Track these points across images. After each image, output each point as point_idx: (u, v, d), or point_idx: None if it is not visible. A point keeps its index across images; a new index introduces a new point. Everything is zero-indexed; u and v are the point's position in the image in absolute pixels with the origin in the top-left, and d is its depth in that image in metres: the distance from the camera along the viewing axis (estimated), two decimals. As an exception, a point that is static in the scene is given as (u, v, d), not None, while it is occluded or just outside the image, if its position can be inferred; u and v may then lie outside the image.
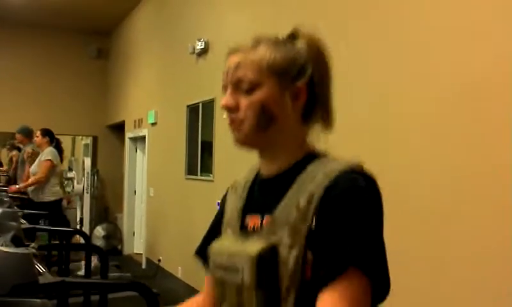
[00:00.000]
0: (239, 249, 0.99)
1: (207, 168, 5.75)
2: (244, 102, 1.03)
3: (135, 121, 8.51)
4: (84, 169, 8.40)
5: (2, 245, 2.07)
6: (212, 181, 5.53)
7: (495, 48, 2.42)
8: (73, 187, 8.67)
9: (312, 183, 0.97)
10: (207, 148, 5.72)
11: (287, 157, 1.05)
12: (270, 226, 0.98)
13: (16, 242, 2.31)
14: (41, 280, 1.72)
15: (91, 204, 8.61)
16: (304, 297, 0.92)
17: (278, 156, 1.06)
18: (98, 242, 8.45)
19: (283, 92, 1.03)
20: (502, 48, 2.39)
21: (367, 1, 3.32)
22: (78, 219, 8.50)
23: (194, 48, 5.87)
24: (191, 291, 5.67)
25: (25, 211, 4.18)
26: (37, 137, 6.28)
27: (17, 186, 6.34)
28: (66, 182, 8.79)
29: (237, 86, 1.04)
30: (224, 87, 1.07)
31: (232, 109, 1.05)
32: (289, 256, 0.93)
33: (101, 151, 10.20)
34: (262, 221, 1.03)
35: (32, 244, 2.56)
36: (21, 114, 8.62)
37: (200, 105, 5.89)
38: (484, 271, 2.40)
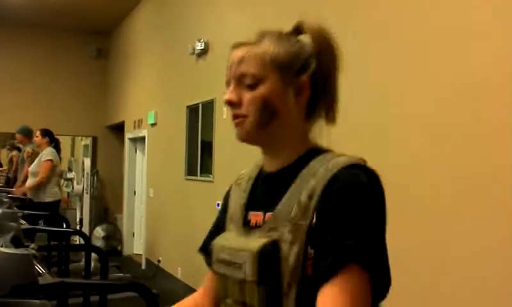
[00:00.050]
0: (241, 244, 0.99)
1: (206, 169, 5.75)
2: (247, 97, 1.03)
3: (135, 122, 8.51)
4: (83, 170, 8.40)
5: (1, 246, 2.07)
6: (211, 181, 5.53)
7: (495, 48, 2.42)
8: (72, 188, 8.67)
9: (313, 179, 0.96)
10: (207, 148, 5.71)
11: (289, 152, 1.05)
12: (272, 222, 0.98)
13: (16, 242, 2.30)
14: (41, 281, 1.71)
15: (90, 205, 8.61)
16: (305, 293, 0.92)
17: (281, 152, 1.06)
18: (98, 243, 8.43)
19: (286, 87, 1.03)
20: (502, 48, 2.38)
21: (367, 1, 3.32)
22: (78, 220, 8.50)
23: (194, 49, 5.87)
24: (191, 292, 5.62)
25: (25, 212, 4.17)
26: (37, 137, 6.29)
27: (22, 188, 6.35)
28: (65, 183, 8.79)
29: (240, 80, 1.04)
30: (228, 82, 1.07)
31: (234, 104, 1.04)
32: (290, 252, 0.93)
33: (101, 151, 10.20)
34: (264, 217, 1.03)
35: (32, 245, 2.56)
36: (21, 115, 8.63)
37: (200, 105, 5.89)
38: (484, 271, 2.40)
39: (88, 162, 8.54)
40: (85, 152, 11.33)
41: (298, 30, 1.08)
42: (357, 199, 0.92)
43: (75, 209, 8.95)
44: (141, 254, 8.23)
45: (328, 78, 1.05)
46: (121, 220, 9.26)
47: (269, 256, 0.94)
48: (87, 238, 4.39)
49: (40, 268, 1.97)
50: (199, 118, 5.96)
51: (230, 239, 1.05)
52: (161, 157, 7.36)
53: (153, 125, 7.56)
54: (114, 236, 9.02)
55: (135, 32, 8.74)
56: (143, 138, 8.11)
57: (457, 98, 2.60)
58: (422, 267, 2.71)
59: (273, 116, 1.02)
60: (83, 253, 6.41)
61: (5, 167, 9.32)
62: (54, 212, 5.90)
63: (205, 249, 1.16)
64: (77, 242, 7.56)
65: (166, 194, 7.12)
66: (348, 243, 0.89)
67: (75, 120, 9.67)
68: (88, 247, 4.05)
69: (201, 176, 5.90)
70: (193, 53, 5.92)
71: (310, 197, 0.95)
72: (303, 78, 1.03)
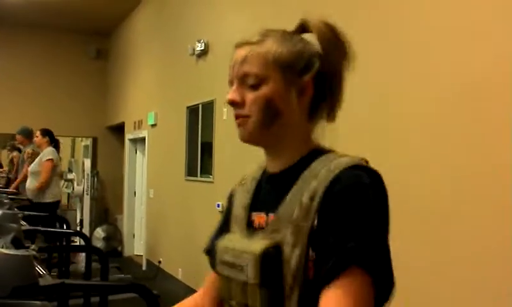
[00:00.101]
0: (244, 247, 0.99)
1: (206, 169, 5.75)
2: (249, 97, 1.02)
3: (135, 123, 8.51)
4: (83, 171, 8.41)
5: (2, 247, 2.07)
6: (212, 182, 5.53)
7: (495, 48, 2.42)
8: (73, 189, 8.67)
9: (315, 180, 0.96)
10: (207, 149, 5.71)
11: (292, 153, 1.04)
12: (274, 224, 0.98)
13: (16, 243, 2.30)
14: (42, 282, 1.71)
15: (91, 206, 8.62)
16: (307, 295, 0.92)
17: (283, 152, 1.05)
18: (98, 244, 8.45)
19: (289, 87, 1.02)
20: (502, 48, 2.38)
21: (367, 1, 3.32)
22: (78, 221, 8.51)
23: (194, 50, 5.87)
24: (192, 293, 5.62)
25: (25, 213, 4.17)
26: (37, 137, 6.28)
27: (13, 185, 6.39)
28: (66, 184, 8.79)
29: (242, 80, 1.03)
30: (230, 82, 1.06)
31: (237, 104, 1.03)
32: (292, 255, 0.93)
33: (101, 152, 10.20)
34: (267, 218, 1.02)
35: (33, 246, 2.56)
36: (20, 115, 8.63)
37: (200, 106, 5.89)
38: (484, 271, 2.40)
39: (88, 163, 8.55)
40: (85, 153, 11.33)
41: (303, 28, 1.07)
42: (359, 201, 0.91)
43: (76, 210, 8.96)
44: (141, 255, 8.23)
45: (334, 78, 1.03)
46: (121, 221, 9.26)
47: (271, 259, 0.94)
48: (87, 239, 4.39)
49: (40, 270, 1.98)
50: (199, 118, 5.96)
51: (234, 241, 1.05)
52: (161, 158, 7.36)
53: (153, 125, 7.57)
54: (115, 237, 9.04)
55: (135, 33, 8.74)
56: (143, 139, 8.11)
57: (457, 98, 2.60)
58: (422, 267, 2.71)
59: (276, 116, 1.02)
60: (80, 254, 6.45)
61: (5, 168, 9.32)
62: (53, 213, 5.91)
63: (210, 251, 1.15)
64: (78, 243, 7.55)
65: (166, 194, 7.12)
66: (350, 245, 0.88)
67: (75, 121, 9.67)
68: (89, 248, 4.06)
69: (201, 176, 5.90)
70: (193, 54, 5.92)
71: (312, 198, 0.94)
72: (305, 78, 1.02)
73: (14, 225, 2.49)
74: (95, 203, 9.30)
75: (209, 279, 1.20)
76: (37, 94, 9.46)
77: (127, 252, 8.97)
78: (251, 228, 1.06)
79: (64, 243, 4.49)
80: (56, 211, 6.24)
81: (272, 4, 4.46)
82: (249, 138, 1.04)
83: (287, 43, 1.03)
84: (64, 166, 8.29)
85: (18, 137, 6.94)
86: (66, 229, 4.96)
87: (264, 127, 1.02)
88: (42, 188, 6.01)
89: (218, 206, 5.10)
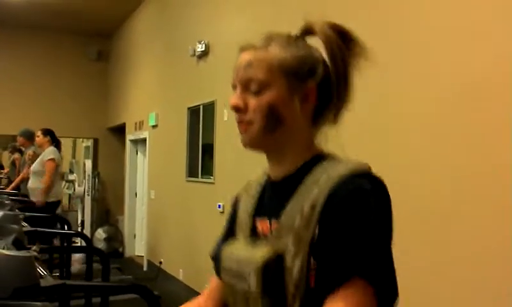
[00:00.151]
0: (246, 255, 0.99)
1: (207, 170, 5.75)
2: (252, 102, 1.01)
3: (136, 124, 8.52)
4: (85, 172, 8.42)
5: (3, 249, 2.07)
6: (213, 183, 5.54)
7: (495, 48, 2.43)
8: (74, 190, 8.69)
9: (316, 187, 0.95)
10: (208, 150, 5.72)
11: (294, 158, 1.03)
12: (277, 232, 0.98)
13: (17, 245, 2.31)
14: (43, 283, 1.72)
15: (92, 207, 8.63)
16: (310, 304, 0.91)
17: (286, 158, 1.04)
18: (99, 245, 8.47)
19: (293, 94, 1.01)
20: (502, 48, 2.39)
21: (367, 1, 3.33)
22: (79, 222, 8.51)
23: (194, 51, 5.88)
24: (192, 294, 5.66)
25: (27, 213, 4.18)
26: (38, 136, 6.26)
27: (12, 185, 6.44)
28: (67, 185, 8.81)
29: (246, 86, 1.02)
30: (234, 86, 1.05)
31: (240, 110, 1.02)
32: (294, 265, 0.92)
33: (102, 153, 10.21)
34: (270, 225, 1.02)
35: (34, 247, 2.56)
36: (22, 117, 8.65)
37: (201, 107, 5.90)
38: (484, 271, 2.40)
39: (89, 164, 8.56)
40: (86, 154, 11.34)
41: (307, 31, 1.06)
42: (360, 209, 0.90)
43: (77, 211, 8.96)
44: (142, 256, 8.24)
45: (340, 80, 1.02)
46: (122, 222, 9.27)
47: (272, 269, 0.93)
48: (88, 240, 4.40)
49: (41, 271, 1.98)
50: (200, 119, 5.97)
51: (238, 249, 1.05)
52: (162, 159, 7.37)
53: (154, 126, 7.57)
54: (116, 238, 9.04)
55: (136, 34, 8.75)
56: (144, 140, 8.12)
57: (457, 98, 2.60)
58: (422, 267, 2.71)
59: (279, 123, 1.01)
60: (75, 255, 6.45)
61: (7, 170, 9.33)
62: (53, 213, 5.91)
63: (215, 256, 1.15)
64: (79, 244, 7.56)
65: (167, 195, 7.13)
66: (351, 256, 0.87)
67: (76, 122, 9.68)
68: (90, 249, 4.06)
69: (202, 177, 5.91)
70: (194, 55, 5.93)
71: (313, 207, 0.93)
72: (309, 84, 1.01)
73: (15, 226, 2.49)
74: (96, 204, 9.32)
75: (213, 282, 1.21)
76: (38, 95, 9.47)
77: (128, 253, 8.98)
78: (255, 234, 1.05)
79: (65, 244, 4.49)
80: (56, 210, 6.24)
81: (273, 5, 4.47)
82: (252, 144, 1.04)
83: (291, 49, 1.02)
84: (65, 167, 8.30)
85: (19, 139, 6.94)
86: (68, 230, 4.97)
87: (267, 133, 1.01)
88: (48, 189, 6.01)
89: (219, 207, 5.11)
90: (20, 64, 9.40)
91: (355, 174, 0.94)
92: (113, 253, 8.57)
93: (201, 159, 5.97)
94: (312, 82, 1.01)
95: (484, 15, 2.50)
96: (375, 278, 0.88)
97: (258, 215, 1.07)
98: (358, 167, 0.96)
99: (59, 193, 6.32)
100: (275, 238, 0.97)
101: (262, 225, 1.04)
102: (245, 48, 1.04)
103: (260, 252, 0.95)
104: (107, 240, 8.88)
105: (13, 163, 8.27)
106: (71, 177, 8.75)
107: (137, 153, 8.97)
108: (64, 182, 8.30)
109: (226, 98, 5.06)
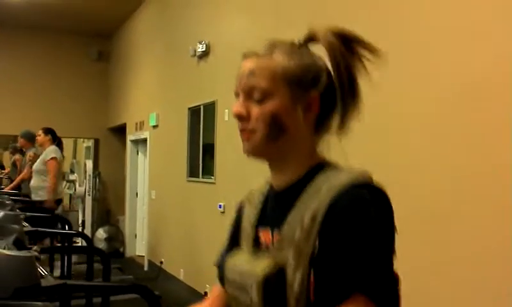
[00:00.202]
0: (248, 268, 0.98)
1: (208, 170, 5.76)
2: (255, 111, 1.00)
3: (136, 124, 8.52)
4: (85, 172, 8.43)
5: (4, 249, 2.07)
6: (213, 183, 5.54)
7: (495, 48, 2.43)
8: (75, 190, 8.69)
9: (317, 198, 0.94)
10: (209, 150, 5.72)
11: (296, 167, 1.02)
12: (278, 244, 0.97)
13: (18, 245, 2.31)
14: (44, 283, 1.72)
15: (92, 207, 8.64)
16: None
17: (288, 167, 1.03)
18: (100, 245, 8.47)
19: (295, 103, 1.00)
20: (502, 48, 2.39)
21: (367, 1, 3.33)
22: (80, 222, 8.52)
23: (195, 51, 5.88)
24: (193, 294, 5.69)
25: (28, 213, 4.18)
26: (39, 135, 6.25)
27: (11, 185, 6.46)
28: (68, 185, 8.81)
29: (249, 94, 1.01)
30: (236, 94, 1.04)
31: (243, 118, 1.02)
32: (295, 278, 0.92)
33: (103, 153, 10.22)
34: (272, 235, 1.01)
35: (35, 247, 2.56)
36: (22, 117, 8.66)
37: (202, 107, 5.90)
38: (484, 271, 2.40)
39: (89, 164, 8.57)
40: (87, 154, 11.35)
41: (311, 38, 1.04)
42: (360, 221, 0.89)
43: (77, 211, 8.97)
44: (143, 256, 8.24)
45: (345, 87, 1.00)
46: (123, 222, 9.28)
47: (273, 282, 0.93)
48: (89, 240, 4.40)
49: (42, 271, 1.98)
50: (200, 119, 5.97)
51: (241, 260, 1.05)
52: (163, 159, 7.37)
53: (154, 126, 7.58)
54: (117, 238, 9.05)
55: (136, 34, 8.75)
56: (145, 140, 8.12)
57: (457, 98, 2.60)
58: (422, 267, 2.72)
59: (281, 132, 1.00)
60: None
61: (7, 170, 9.34)
62: (52, 213, 5.91)
63: (220, 265, 1.15)
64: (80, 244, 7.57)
65: (168, 195, 7.13)
66: (351, 272, 0.87)
67: (76, 122, 9.68)
68: (91, 249, 4.07)
69: (203, 177, 5.91)
70: (194, 55, 5.93)
71: (314, 218, 0.92)
72: (312, 94, 1.00)
73: (16, 226, 2.50)
74: (96, 204, 9.32)
75: (215, 291, 1.20)
76: (39, 96, 9.48)
77: (128, 253, 8.98)
78: (257, 246, 1.05)
79: (66, 244, 4.50)
80: (57, 209, 6.25)
81: (273, 6, 4.47)
82: (254, 152, 1.03)
83: (294, 57, 1.01)
84: (66, 167, 8.29)
85: (20, 140, 6.94)
86: (68, 230, 4.97)
87: (269, 142, 1.01)
88: (55, 188, 6.03)
89: (220, 207, 5.11)
90: (21, 65, 9.40)
91: (356, 184, 0.93)
92: (114, 253, 8.58)
93: (201, 159, 5.97)
94: (315, 91, 1.00)
95: (484, 15, 2.50)
96: (376, 294, 0.87)
97: (261, 226, 1.06)
98: (359, 177, 0.95)
99: (59, 192, 6.33)
100: (276, 250, 0.96)
101: (265, 236, 1.04)
102: (248, 55, 1.04)
103: (261, 265, 0.95)
104: (108, 240, 8.89)
105: (14, 164, 8.27)
106: (72, 177, 8.76)
107: (137, 153, 8.97)
108: (65, 182, 8.30)
109: (226, 98, 5.06)
